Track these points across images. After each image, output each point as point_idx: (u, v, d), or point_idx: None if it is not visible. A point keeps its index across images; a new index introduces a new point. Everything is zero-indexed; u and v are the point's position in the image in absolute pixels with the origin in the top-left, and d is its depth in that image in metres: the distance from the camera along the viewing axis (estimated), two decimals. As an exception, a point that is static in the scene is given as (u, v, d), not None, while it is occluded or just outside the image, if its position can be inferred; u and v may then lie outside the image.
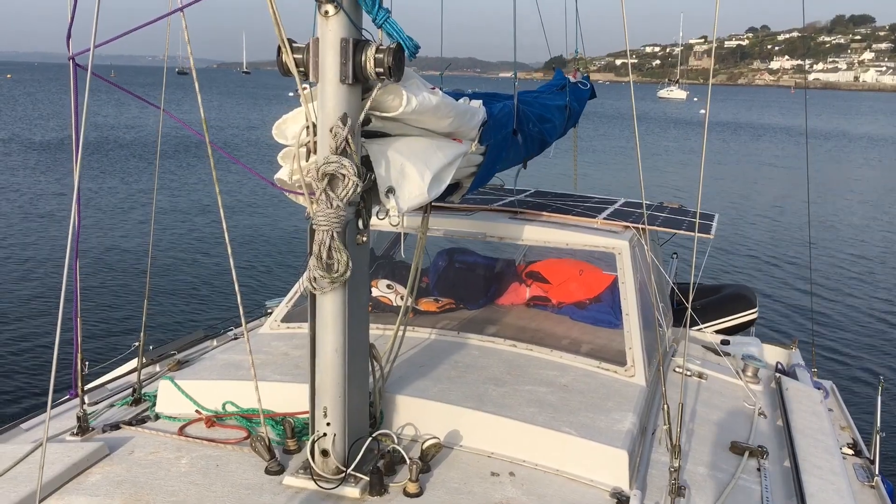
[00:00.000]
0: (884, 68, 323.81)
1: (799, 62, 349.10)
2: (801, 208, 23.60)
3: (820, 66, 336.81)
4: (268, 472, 3.04)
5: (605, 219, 5.18)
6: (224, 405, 3.55)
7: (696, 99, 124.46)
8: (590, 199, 6.09)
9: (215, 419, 3.47)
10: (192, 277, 13.69)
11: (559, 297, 4.89)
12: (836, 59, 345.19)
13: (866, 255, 18.17)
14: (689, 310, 3.72)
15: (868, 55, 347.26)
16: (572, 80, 6.21)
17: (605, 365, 4.01)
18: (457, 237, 4.91)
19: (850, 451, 4.72)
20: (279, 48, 2.81)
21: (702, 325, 5.59)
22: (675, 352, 5.05)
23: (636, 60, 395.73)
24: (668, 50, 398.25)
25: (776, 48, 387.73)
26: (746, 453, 3.76)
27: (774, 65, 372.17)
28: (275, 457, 3.08)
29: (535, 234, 4.85)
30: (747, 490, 3.48)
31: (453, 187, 3.96)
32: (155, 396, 3.69)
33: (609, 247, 4.71)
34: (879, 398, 5.12)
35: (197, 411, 3.54)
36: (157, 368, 4.38)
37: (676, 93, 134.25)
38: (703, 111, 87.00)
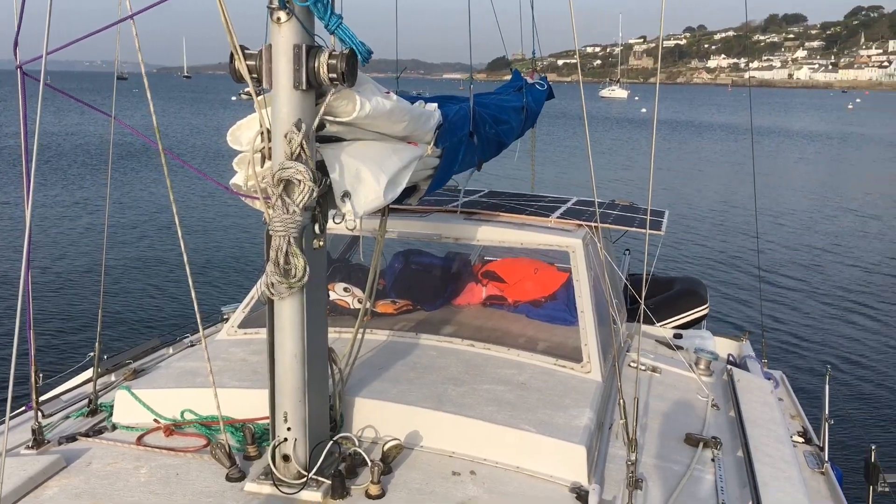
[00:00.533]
0: (816, 66, 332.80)
1: (735, 61, 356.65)
2: (747, 202, 24.06)
3: (756, 64, 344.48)
4: (229, 478, 3.02)
5: (558, 217, 5.24)
6: (182, 413, 3.51)
7: (636, 98, 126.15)
8: (543, 198, 6.15)
9: (174, 427, 3.44)
10: (147, 285, 13.47)
11: (515, 295, 4.93)
12: (771, 58, 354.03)
13: (812, 245, 18.67)
14: (643, 305, 3.79)
15: (801, 53, 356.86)
16: (529, 80, 6.26)
17: (561, 362, 4.05)
18: (412, 238, 4.92)
19: (801, 439, 4.85)
20: (232, 55, 2.79)
21: (655, 324, 5.69)
22: (629, 347, 5.12)
23: (575, 60, 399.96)
24: (608, 50, 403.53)
25: (713, 47, 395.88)
26: (701, 445, 3.83)
27: (712, 63, 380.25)
28: (235, 463, 3.06)
29: (490, 234, 4.88)
30: (702, 480, 3.55)
31: (410, 190, 3.98)
32: (111, 406, 3.63)
33: (563, 245, 4.77)
34: (827, 387, 5.23)
35: (155, 420, 3.50)
36: (113, 378, 4.30)
37: (618, 92, 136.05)
38: (644, 110, 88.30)
